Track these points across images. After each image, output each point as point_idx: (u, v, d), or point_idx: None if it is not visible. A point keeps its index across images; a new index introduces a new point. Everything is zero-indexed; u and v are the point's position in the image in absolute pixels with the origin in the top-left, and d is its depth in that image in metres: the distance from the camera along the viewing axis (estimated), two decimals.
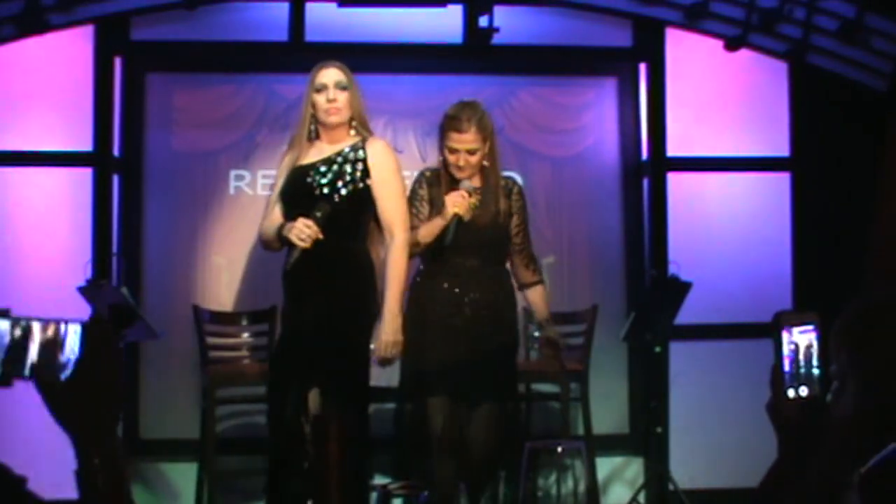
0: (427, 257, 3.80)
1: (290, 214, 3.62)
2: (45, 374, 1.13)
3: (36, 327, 1.14)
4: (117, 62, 4.96)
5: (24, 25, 4.62)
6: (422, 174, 3.84)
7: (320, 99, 3.62)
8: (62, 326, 1.14)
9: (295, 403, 3.55)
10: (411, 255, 3.70)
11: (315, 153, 3.65)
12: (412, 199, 3.75)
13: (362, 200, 3.58)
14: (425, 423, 3.68)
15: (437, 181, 3.78)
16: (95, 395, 1.13)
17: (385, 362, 3.58)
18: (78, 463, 1.13)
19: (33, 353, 1.14)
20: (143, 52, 5.05)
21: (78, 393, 1.12)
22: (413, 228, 3.68)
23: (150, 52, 5.07)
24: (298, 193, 3.63)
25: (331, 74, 3.64)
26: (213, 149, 5.14)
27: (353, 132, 3.66)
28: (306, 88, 3.69)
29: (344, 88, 3.62)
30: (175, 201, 5.09)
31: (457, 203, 3.64)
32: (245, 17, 4.97)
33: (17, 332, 1.15)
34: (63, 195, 4.81)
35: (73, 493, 1.12)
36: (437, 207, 3.74)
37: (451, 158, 3.74)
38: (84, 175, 4.85)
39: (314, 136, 3.69)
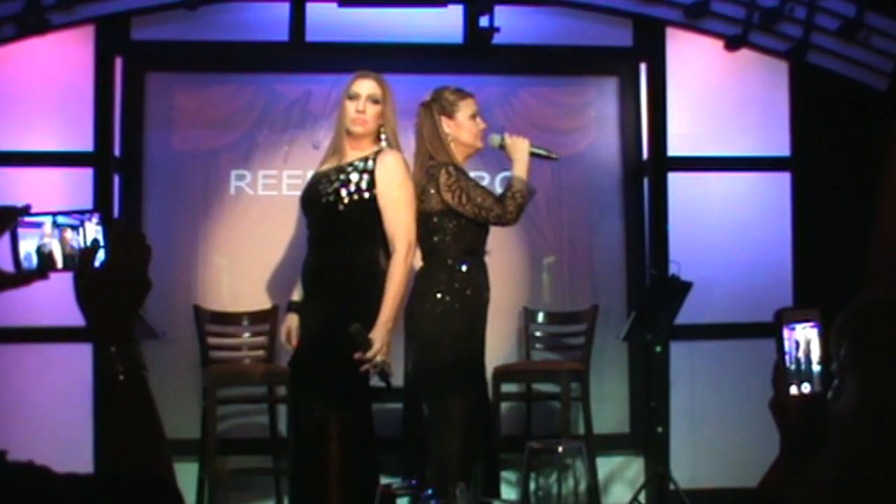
0: (478, 240, 3.78)
1: (305, 218, 3.75)
2: (72, 263, 1.23)
3: (61, 220, 1.26)
4: (118, 62, 4.96)
5: (24, 25, 4.63)
6: (446, 165, 3.73)
7: (350, 107, 3.67)
8: (84, 221, 1.25)
9: (306, 403, 3.58)
10: (525, 206, 3.71)
11: (335, 160, 3.70)
12: (469, 183, 3.70)
13: (366, 209, 3.59)
14: (471, 414, 3.70)
15: (458, 166, 3.78)
16: (120, 284, 1.20)
17: (377, 372, 3.53)
18: (96, 355, 1.17)
19: (58, 247, 1.26)
20: (144, 51, 5.05)
21: (105, 281, 1.20)
22: (511, 195, 3.68)
23: (151, 52, 5.07)
24: (308, 199, 3.72)
25: (366, 86, 3.67)
26: (213, 148, 5.14)
27: (384, 143, 3.68)
28: (342, 93, 3.73)
29: (376, 102, 3.65)
30: (176, 201, 5.10)
31: (520, 137, 3.78)
32: (245, 16, 4.97)
33: (46, 230, 1.25)
34: (64, 195, 4.81)
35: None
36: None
37: (476, 127, 3.81)
38: (85, 175, 4.86)
39: (342, 140, 3.73)
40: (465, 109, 3.80)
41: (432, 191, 3.69)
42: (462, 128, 3.80)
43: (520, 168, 3.75)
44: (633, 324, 4.51)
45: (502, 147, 3.81)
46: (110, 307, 1.19)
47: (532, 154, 3.79)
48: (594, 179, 5.29)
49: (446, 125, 3.80)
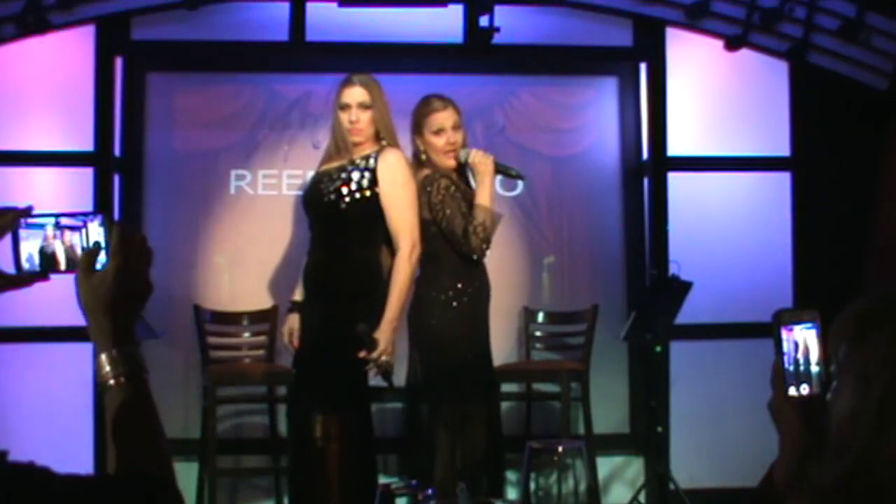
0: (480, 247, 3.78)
1: (307, 218, 3.76)
2: (74, 265, 1.23)
3: (64, 221, 1.25)
4: (118, 62, 4.96)
5: (24, 25, 4.62)
6: (438, 179, 3.73)
7: (343, 117, 3.67)
8: (86, 222, 1.24)
9: (306, 403, 3.58)
10: (491, 236, 3.70)
11: (336, 160, 3.70)
12: (453, 206, 3.68)
13: (368, 209, 3.59)
14: (478, 418, 3.72)
15: (451, 179, 3.78)
16: (121, 286, 1.19)
17: (380, 371, 3.52)
18: (96, 358, 1.18)
19: (61, 248, 1.25)
20: (144, 51, 5.05)
21: (106, 283, 1.19)
22: (473, 229, 3.66)
23: (151, 52, 5.07)
24: (310, 198, 3.72)
25: (355, 94, 3.66)
26: (213, 148, 5.14)
27: (384, 142, 3.67)
28: (334, 99, 3.73)
29: (367, 108, 3.65)
30: (176, 201, 5.10)
31: (484, 153, 3.75)
32: (245, 16, 4.97)
33: (48, 232, 1.25)
34: (64, 195, 4.81)
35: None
36: (465, 197, 3.75)
37: (440, 142, 3.75)
38: (85, 175, 4.86)
39: (342, 145, 3.72)
40: (430, 125, 3.75)
41: (425, 201, 3.70)
42: (429, 145, 3.78)
43: (483, 194, 3.70)
44: (633, 324, 4.51)
45: (467, 164, 3.79)
46: (111, 309, 1.19)
47: (498, 173, 3.77)
48: (594, 179, 5.29)
49: (419, 141, 3.80)
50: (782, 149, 5.17)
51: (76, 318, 1.21)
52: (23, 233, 1.25)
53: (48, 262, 1.25)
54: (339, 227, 3.61)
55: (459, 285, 3.71)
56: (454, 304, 3.69)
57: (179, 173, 5.12)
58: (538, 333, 5.09)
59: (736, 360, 4.91)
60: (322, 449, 3.52)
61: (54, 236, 1.25)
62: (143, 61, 5.11)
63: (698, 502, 4.61)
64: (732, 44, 5.00)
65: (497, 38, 4.79)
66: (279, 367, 4.55)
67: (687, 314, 4.57)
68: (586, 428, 4.66)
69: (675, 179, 5.11)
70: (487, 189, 3.71)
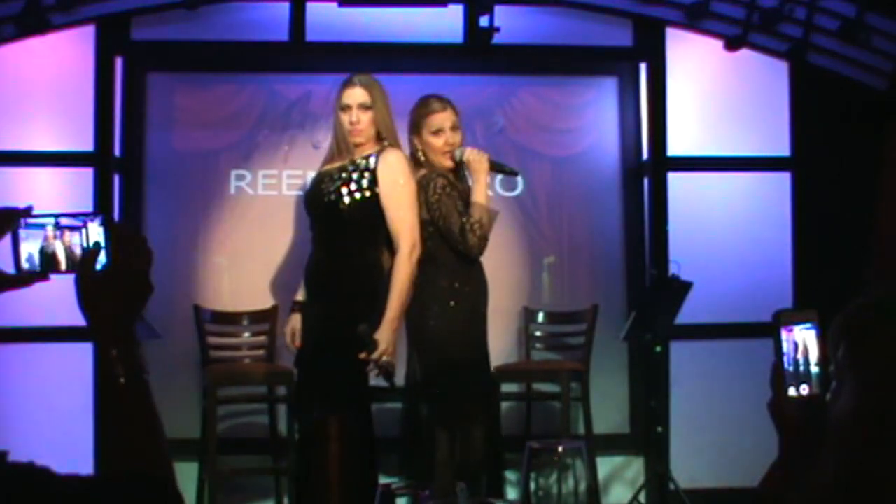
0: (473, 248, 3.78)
1: (308, 218, 3.76)
2: (74, 265, 1.23)
3: (63, 221, 1.26)
4: (118, 62, 4.96)
5: (24, 25, 4.62)
6: (435, 178, 3.74)
7: (344, 118, 3.68)
8: (86, 223, 1.24)
9: (307, 403, 3.59)
10: (487, 233, 3.71)
11: (337, 160, 3.70)
12: (449, 205, 3.69)
13: (368, 209, 3.59)
14: (492, 409, 3.72)
15: (448, 179, 3.79)
16: (121, 287, 1.20)
17: (382, 372, 3.51)
18: (97, 357, 1.19)
19: (61, 248, 1.26)
20: (144, 51, 5.05)
21: (106, 284, 1.20)
22: (470, 226, 3.67)
23: (151, 52, 5.07)
24: (311, 198, 3.73)
25: (355, 95, 3.67)
26: (213, 148, 5.15)
27: (385, 142, 3.68)
28: (335, 99, 3.74)
29: (368, 108, 3.65)
30: (176, 201, 5.10)
31: (478, 151, 3.74)
32: (245, 16, 4.97)
33: (48, 232, 1.25)
34: (64, 195, 4.81)
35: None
36: (462, 196, 3.75)
37: (439, 143, 3.76)
38: (85, 175, 4.86)
39: (344, 146, 3.73)
40: (428, 125, 3.77)
41: (423, 201, 3.70)
42: (427, 145, 3.79)
43: (479, 191, 3.72)
44: (633, 324, 4.51)
45: (462, 162, 3.80)
46: (112, 310, 1.19)
47: (493, 170, 3.78)
48: (594, 179, 5.29)
49: (416, 141, 3.80)
50: (782, 149, 5.17)
51: (76, 318, 1.21)
52: (23, 233, 1.25)
53: (48, 263, 1.25)
54: (339, 227, 3.61)
55: (457, 285, 3.71)
56: (452, 303, 3.69)
57: (179, 173, 5.12)
58: (538, 333, 5.09)
59: (736, 360, 4.91)
60: (322, 449, 3.52)
61: (54, 236, 1.25)
62: (144, 61, 5.11)
63: (698, 502, 4.61)
64: (732, 44, 5.00)
65: (497, 38, 4.80)
66: (279, 367, 4.55)
67: (687, 314, 4.58)
68: (586, 428, 4.66)
69: (675, 179, 5.12)
70: (483, 186, 3.74)
